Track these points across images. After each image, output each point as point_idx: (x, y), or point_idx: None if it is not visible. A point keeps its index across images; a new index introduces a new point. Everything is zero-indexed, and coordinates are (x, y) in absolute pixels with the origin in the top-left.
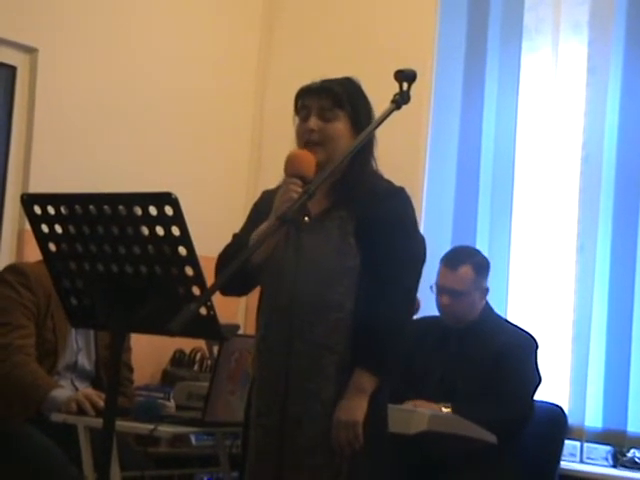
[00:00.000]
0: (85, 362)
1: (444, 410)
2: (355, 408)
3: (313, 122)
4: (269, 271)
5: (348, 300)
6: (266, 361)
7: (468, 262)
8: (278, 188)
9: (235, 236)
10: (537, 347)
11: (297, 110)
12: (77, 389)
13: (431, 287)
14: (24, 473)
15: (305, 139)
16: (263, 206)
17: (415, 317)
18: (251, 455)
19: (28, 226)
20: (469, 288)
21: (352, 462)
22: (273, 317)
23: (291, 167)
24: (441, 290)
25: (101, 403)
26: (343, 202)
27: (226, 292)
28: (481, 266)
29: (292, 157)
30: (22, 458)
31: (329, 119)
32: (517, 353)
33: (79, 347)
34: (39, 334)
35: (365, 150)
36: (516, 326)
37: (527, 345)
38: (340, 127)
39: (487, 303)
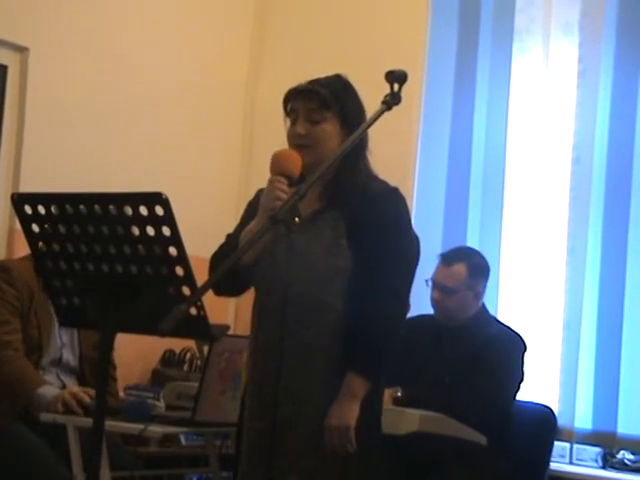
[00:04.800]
0: (70, 357)
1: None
2: (347, 412)
3: (301, 126)
4: (261, 272)
5: (339, 301)
6: (258, 362)
7: (463, 261)
8: None
9: (228, 236)
10: (525, 349)
11: (287, 113)
12: (63, 383)
13: (427, 281)
14: (13, 472)
15: (294, 143)
16: (257, 205)
17: (409, 316)
18: (243, 457)
19: (18, 225)
20: (460, 286)
21: (344, 464)
22: (265, 318)
23: (276, 166)
24: (434, 285)
25: (87, 399)
26: (336, 203)
27: (219, 292)
28: (477, 268)
29: (277, 156)
30: (11, 457)
31: (317, 121)
32: (501, 347)
33: (63, 342)
34: (23, 330)
35: (357, 150)
36: (508, 327)
37: (513, 342)
38: (328, 128)
39: (484, 304)
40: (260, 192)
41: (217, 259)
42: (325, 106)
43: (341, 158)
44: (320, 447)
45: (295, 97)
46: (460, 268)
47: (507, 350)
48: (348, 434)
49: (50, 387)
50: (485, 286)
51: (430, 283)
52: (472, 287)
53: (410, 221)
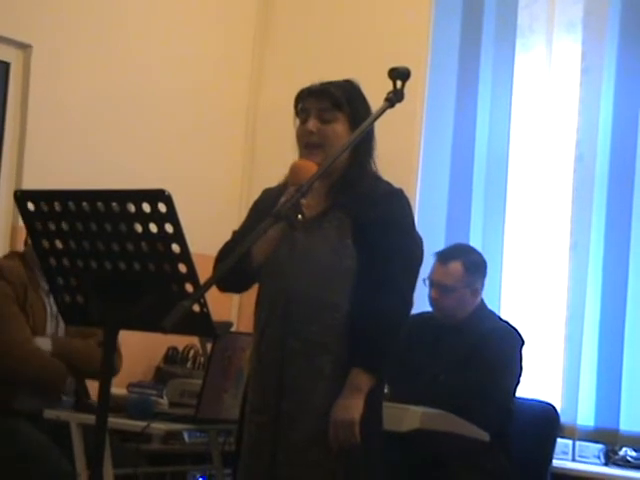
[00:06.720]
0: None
1: None
2: (352, 407)
3: (312, 124)
4: (266, 269)
5: (344, 300)
6: (262, 358)
7: (459, 259)
8: (278, 187)
9: (235, 233)
10: (522, 343)
11: (297, 112)
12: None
13: (424, 280)
14: (16, 468)
15: (304, 141)
16: (263, 204)
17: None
18: (245, 451)
19: (21, 222)
20: (457, 284)
21: (347, 460)
22: (269, 315)
23: (295, 177)
24: (431, 284)
25: None
26: (342, 203)
27: (224, 289)
28: (473, 264)
29: (295, 167)
30: (14, 453)
31: (328, 121)
32: (497, 342)
33: (51, 333)
34: None
35: (364, 151)
36: (505, 322)
37: (509, 337)
38: (339, 129)
39: (482, 301)
40: (266, 191)
41: (222, 256)
42: (337, 106)
43: (348, 159)
44: (322, 442)
45: (307, 97)
46: (456, 266)
47: (503, 345)
48: (353, 428)
49: None
50: (483, 283)
51: (427, 282)
52: (469, 284)
53: (414, 222)
